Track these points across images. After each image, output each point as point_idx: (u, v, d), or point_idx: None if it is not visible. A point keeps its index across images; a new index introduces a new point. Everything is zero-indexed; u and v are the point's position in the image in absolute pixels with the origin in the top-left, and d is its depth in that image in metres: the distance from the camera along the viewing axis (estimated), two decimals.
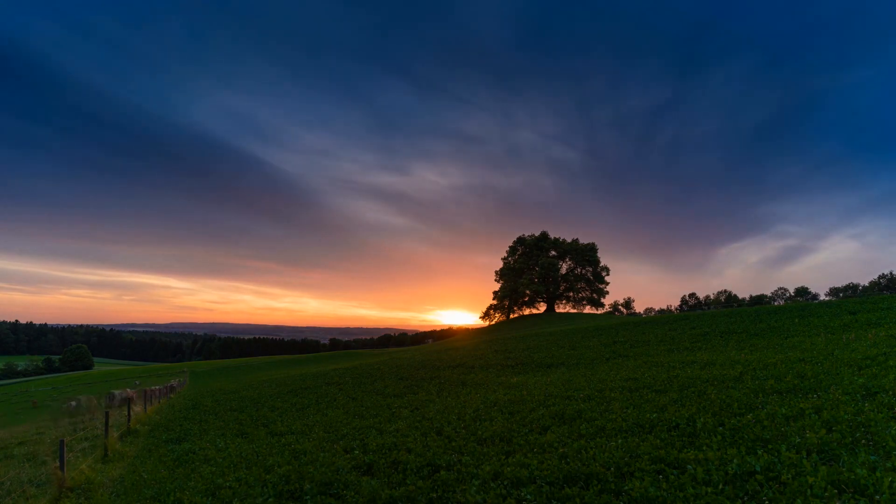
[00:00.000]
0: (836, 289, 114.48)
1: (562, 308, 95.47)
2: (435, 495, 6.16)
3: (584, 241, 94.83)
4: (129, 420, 16.11)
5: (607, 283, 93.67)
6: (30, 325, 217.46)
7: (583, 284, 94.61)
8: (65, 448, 9.51)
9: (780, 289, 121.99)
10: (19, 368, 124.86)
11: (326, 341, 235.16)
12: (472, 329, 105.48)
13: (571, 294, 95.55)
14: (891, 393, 7.58)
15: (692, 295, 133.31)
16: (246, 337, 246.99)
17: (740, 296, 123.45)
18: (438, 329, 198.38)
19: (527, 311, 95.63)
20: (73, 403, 29.15)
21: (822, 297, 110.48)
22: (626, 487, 5.45)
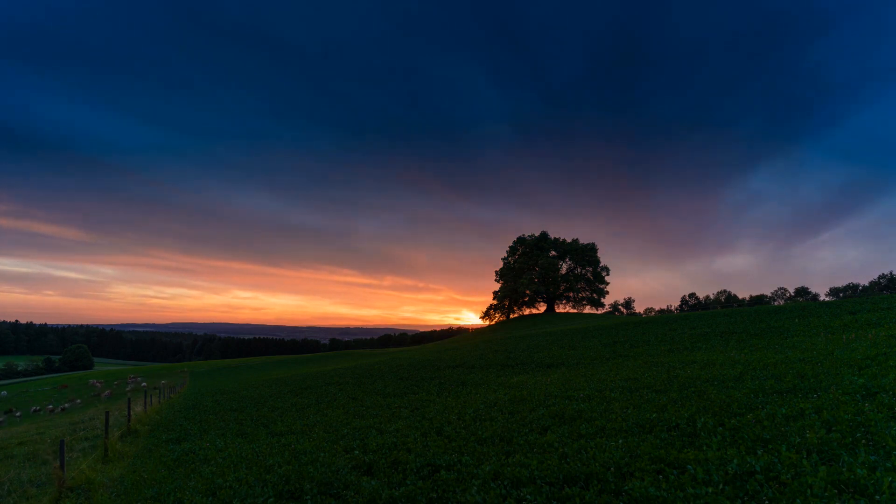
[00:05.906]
0: (836, 289, 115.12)
1: (562, 308, 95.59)
2: (435, 495, 6.16)
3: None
4: (129, 420, 16.11)
5: (607, 283, 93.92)
6: (30, 325, 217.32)
7: (583, 284, 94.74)
8: (65, 448, 9.52)
9: (780, 289, 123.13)
10: (19, 368, 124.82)
11: (326, 341, 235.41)
12: (473, 329, 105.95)
13: (571, 294, 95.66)
14: (891, 393, 7.58)
15: (692, 295, 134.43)
16: (246, 337, 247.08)
17: (740, 296, 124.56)
18: (439, 329, 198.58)
19: (527, 311, 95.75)
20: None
21: (823, 297, 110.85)
22: (626, 487, 5.44)
